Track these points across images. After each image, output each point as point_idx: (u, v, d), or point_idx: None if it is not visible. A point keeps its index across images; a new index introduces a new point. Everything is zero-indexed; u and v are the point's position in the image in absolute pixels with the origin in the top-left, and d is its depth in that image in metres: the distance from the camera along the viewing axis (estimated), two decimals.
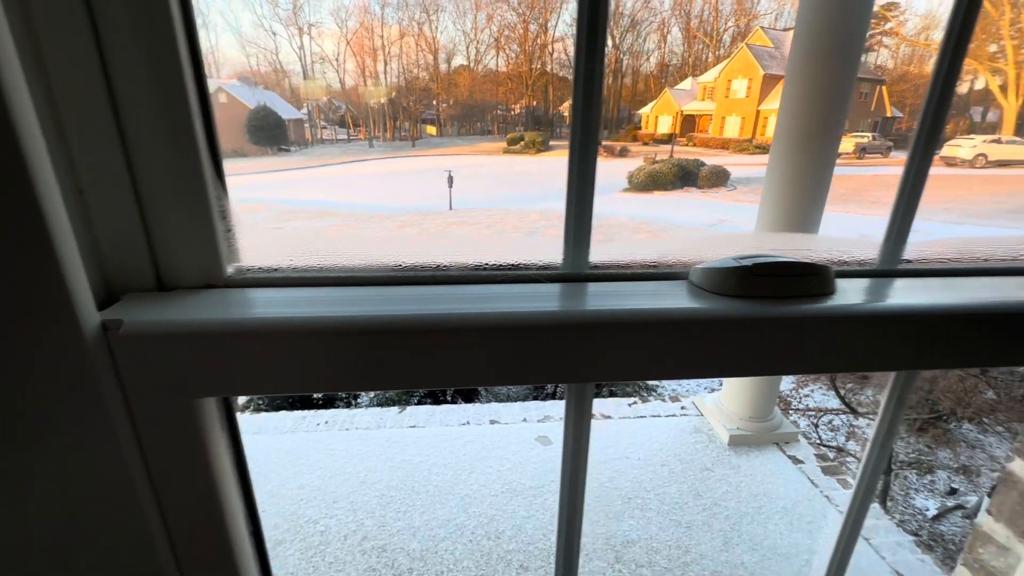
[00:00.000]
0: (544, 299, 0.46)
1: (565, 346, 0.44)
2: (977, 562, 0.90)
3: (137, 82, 0.38)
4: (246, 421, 3.73)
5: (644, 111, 41.62)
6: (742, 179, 19.49)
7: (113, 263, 0.42)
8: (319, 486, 3.09)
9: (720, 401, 3.83)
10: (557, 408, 4.04)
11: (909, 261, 0.54)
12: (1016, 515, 0.85)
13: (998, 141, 22.32)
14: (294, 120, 33.41)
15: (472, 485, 3.15)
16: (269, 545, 2.58)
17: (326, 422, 3.75)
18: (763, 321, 0.44)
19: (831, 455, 4.20)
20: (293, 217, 15.00)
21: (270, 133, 28.81)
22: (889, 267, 0.54)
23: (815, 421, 5.52)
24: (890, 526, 2.97)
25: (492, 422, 3.81)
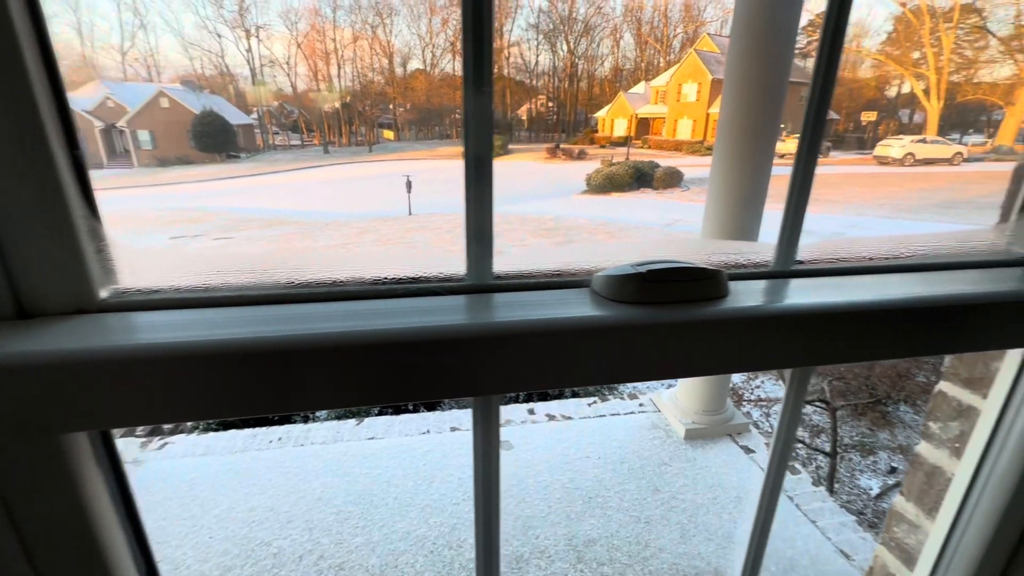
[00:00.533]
0: (445, 312, 0.46)
1: (466, 359, 0.44)
2: (893, 540, 0.96)
3: None
4: (192, 442, 3.55)
5: (600, 114, 42.49)
6: (695, 179, 20.19)
7: None
8: (272, 506, 2.97)
9: (676, 397, 3.94)
10: (519, 412, 4.04)
11: (801, 262, 0.57)
12: (923, 493, 0.91)
13: (923, 141, 24.06)
14: (243, 125, 32.20)
15: (433, 495, 3.10)
16: (218, 572, 2.46)
17: (279, 439, 3.61)
18: (656, 326, 0.45)
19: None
20: (244, 226, 14.45)
21: (217, 139, 27.64)
22: (783, 268, 0.56)
23: (766, 411, 5.77)
24: (835, 508, 3.13)
25: (453, 429, 3.78)
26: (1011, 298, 0.55)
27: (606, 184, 19.02)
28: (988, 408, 0.71)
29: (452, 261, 0.51)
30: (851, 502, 5.25)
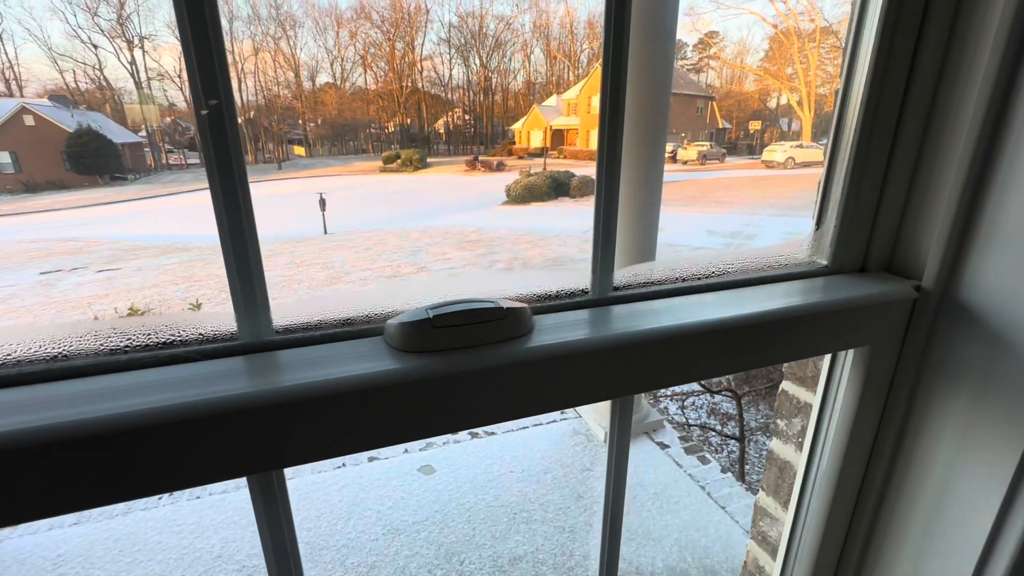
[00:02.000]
0: (214, 381, 0.39)
1: (240, 435, 0.38)
2: (760, 534, 1.01)
3: None
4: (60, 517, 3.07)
5: (516, 127, 43.42)
6: None
7: None
8: (161, 573, 2.63)
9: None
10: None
11: (617, 288, 0.56)
12: (778, 487, 0.96)
13: (801, 146, 27.03)
14: (130, 144, 29.21)
15: (350, 533, 2.91)
16: None
17: (171, 495, 3.23)
18: (448, 377, 0.42)
19: (693, 436, 4.63)
20: (133, 255, 13.07)
21: (98, 160, 24.81)
22: (600, 296, 0.55)
23: (682, 404, 6.09)
24: (741, 492, 3.34)
25: (371, 459, 3.59)
26: (811, 310, 0.58)
27: (526, 194, 19.40)
28: (816, 404, 0.76)
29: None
30: (761, 480, 5.66)
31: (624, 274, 0.58)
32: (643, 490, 3.30)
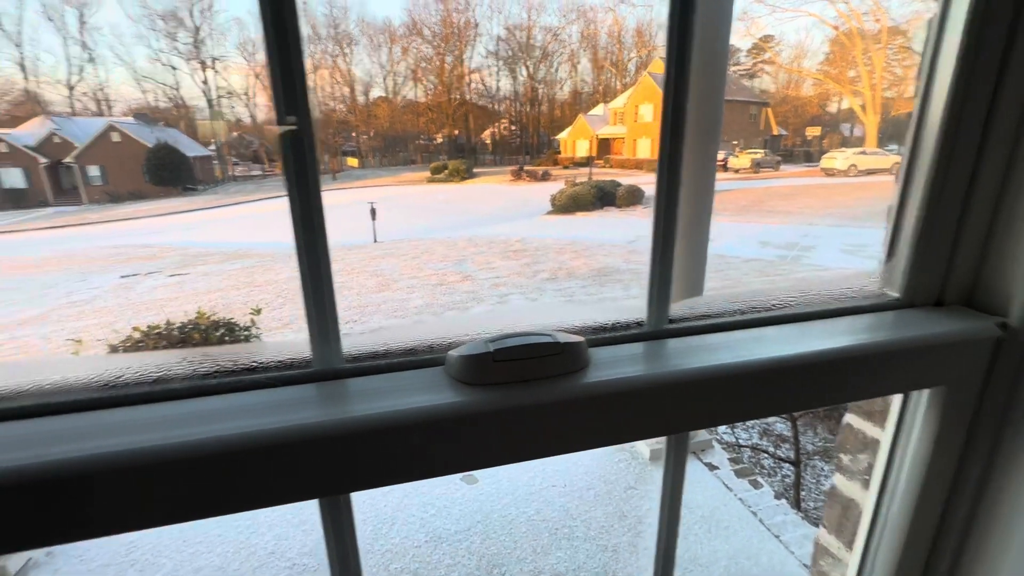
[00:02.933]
0: (291, 408, 0.42)
1: (313, 461, 0.41)
2: (820, 574, 0.96)
3: None
4: None
5: (562, 136, 43.48)
6: None
7: None
8: (220, 565, 2.79)
9: None
10: None
11: (673, 320, 0.56)
12: (842, 526, 0.91)
13: (864, 153, 25.54)
14: (200, 157, 31.46)
15: (394, 539, 2.98)
16: None
17: None
18: (507, 412, 0.43)
19: (744, 458, 4.44)
20: (201, 261, 13.98)
21: (173, 172, 26.86)
22: (655, 329, 0.55)
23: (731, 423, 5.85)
24: (797, 520, 3.16)
25: None
26: (881, 348, 0.56)
27: (570, 204, 19.34)
28: (885, 440, 0.72)
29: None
30: (818, 508, 5.33)
31: (681, 306, 0.57)
32: (690, 512, 3.19)
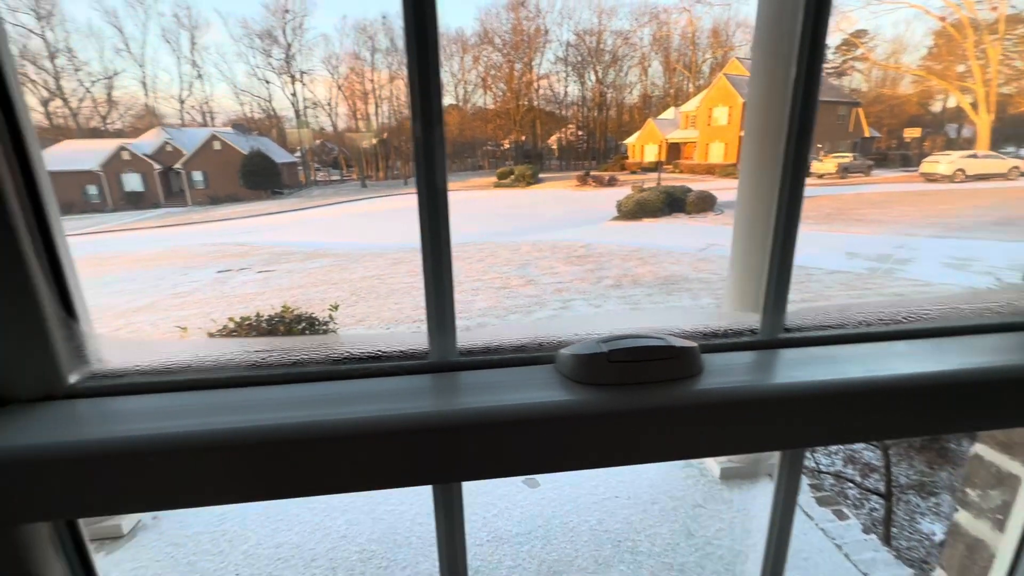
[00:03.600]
0: (409, 396, 0.45)
1: (429, 448, 0.43)
2: None
3: None
4: None
5: (630, 141, 42.61)
6: (729, 203, 19.82)
7: None
8: (297, 543, 2.98)
9: None
10: None
11: (789, 329, 0.53)
12: (965, 569, 0.81)
13: (975, 156, 22.88)
14: (287, 163, 34.01)
15: None
16: None
17: None
18: (619, 413, 0.43)
19: (827, 484, 4.11)
20: (285, 259, 15.06)
21: (264, 177, 29.23)
22: (769, 337, 0.53)
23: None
24: (888, 558, 2.87)
25: None
26: None
27: (637, 210, 18.89)
28: None
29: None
30: (912, 548, 4.82)
31: (797, 313, 0.54)
32: (763, 538, 2.99)
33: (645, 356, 0.44)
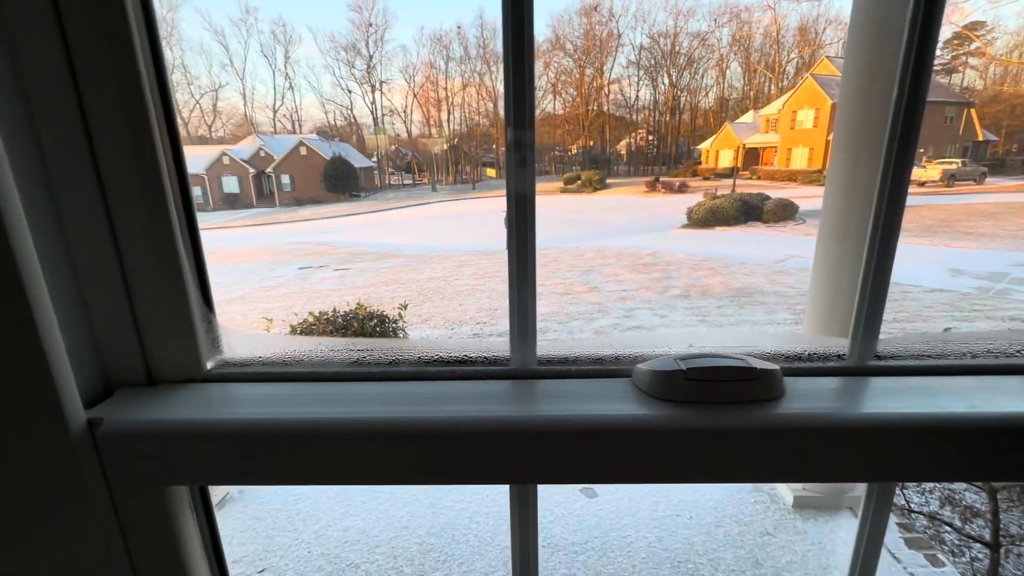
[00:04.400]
0: (490, 399, 0.48)
1: (507, 450, 0.46)
2: None
3: (135, 224, 0.46)
4: None
5: (704, 146, 40.93)
6: (812, 212, 18.50)
7: (112, 362, 0.49)
8: (363, 529, 3.14)
9: None
10: None
11: (881, 357, 0.51)
12: None
13: None
14: (365, 168, 35.97)
15: None
16: None
17: None
18: (695, 432, 0.44)
19: (919, 524, 3.71)
20: (359, 259, 15.91)
21: (343, 181, 31.15)
22: (858, 364, 0.51)
23: (902, 483, 4.93)
24: None
25: None
26: None
27: (709, 218, 18.11)
28: None
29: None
30: None
31: (891, 340, 0.52)
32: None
33: (724, 376, 0.45)
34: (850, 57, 2.84)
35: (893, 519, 3.22)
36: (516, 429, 0.45)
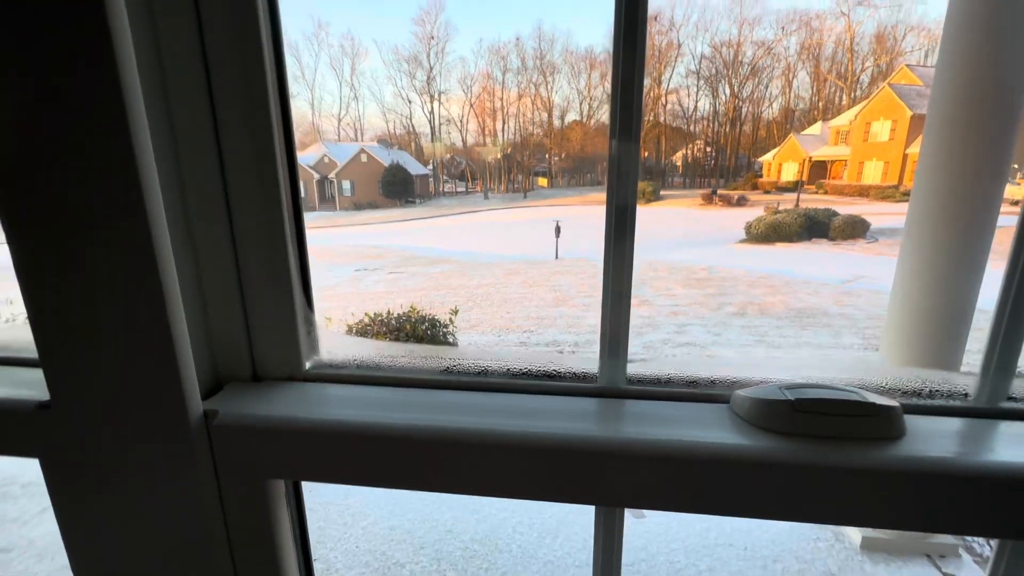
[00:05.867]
0: (579, 417, 0.48)
1: (596, 471, 0.45)
2: None
3: (252, 227, 0.49)
4: None
5: (766, 158, 39.26)
6: (885, 230, 17.29)
7: (223, 358, 0.52)
8: (409, 529, 3.19)
9: None
10: None
11: (1016, 399, 0.46)
12: None
13: None
14: (420, 175, 37.11)
15: (556, 551, 3.02)
16: None
17: None
18: (804, 468, 0.41)
19: None
20: (412, 263, 16.36)
21: (399, 187, 32.25)
22: (987, 406, 0.46)
23: None
24: None
25: None
26: None
27: (769, 233, 17.31)
28: None
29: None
30: None
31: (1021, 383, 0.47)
32: None
33: (838, 410, 0.42)
34: (942, 65, 2.63)
35: (976, 570, 2.91)
36: (609, 450, 0.44)
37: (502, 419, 0.47)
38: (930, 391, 0.47)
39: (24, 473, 3.64)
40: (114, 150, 0.40)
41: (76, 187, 0.41)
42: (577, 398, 0.51)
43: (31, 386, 0.51)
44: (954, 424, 0.45)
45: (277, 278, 0.50)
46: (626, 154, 0.45)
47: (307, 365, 0.54)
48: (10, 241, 0.43)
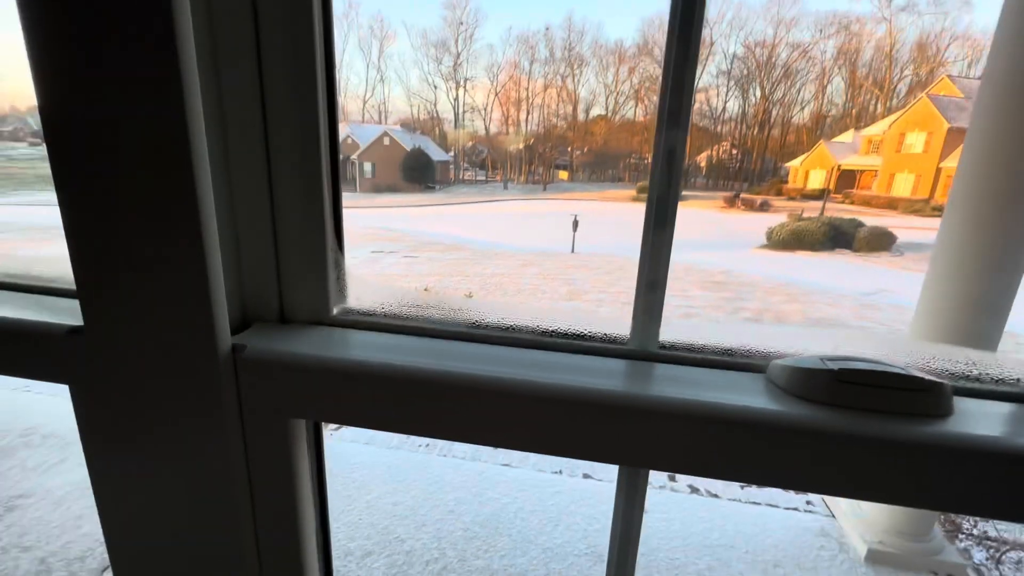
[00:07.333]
0: (605, 375, 0.47)
1: (622, 428, 0.44)
2: None
3: (289, 166, 0.48)
4: (360, 431, 4.08)
5: (793, 164, 38.46)
6: (912, 244, 16.88)
7: (251, 297, 0.52)
8: (411, 506, 3.23)
9: (860, 504, 3.23)
10: (657, 475, 3.75)
11: None
12: None
13: None
14: (441, 162, 37.11)
15: (557, 539, 3.03)
16: (359, 554, 2.75)
17: (427, 444, 3.94)
18: (848, 437, 0.39)
19: None
20: (428, 248, 16.42)
21: (420, 172, 32.30)
22: None
23: (997, 555, 4.36)
24: None
25: (585, 476, 3.67)
26: None
27: (792, 240, 17.02)
28: None
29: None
30: None
31: None
32: None
33: (882, 382, 0.40)
34: (989, 78, 2.52)
35: None
36: (637, 407, 0.43)
37: (531, 371, 0.46)
38: (979, 375, 0.45)
39: (47, 423, 3.76)
40: (160, 79, 0.39)
41: (122, 118, 0.41)
42: (606, 358, 0.49)
43: (64, 313, 0.51)
44: (1008, 408, 0.43)
45: (310, 218, 0.50)
46: (675, 142, 0.43)
47: (334, 310, 0.54)
48: (53, 164, 0.43)
